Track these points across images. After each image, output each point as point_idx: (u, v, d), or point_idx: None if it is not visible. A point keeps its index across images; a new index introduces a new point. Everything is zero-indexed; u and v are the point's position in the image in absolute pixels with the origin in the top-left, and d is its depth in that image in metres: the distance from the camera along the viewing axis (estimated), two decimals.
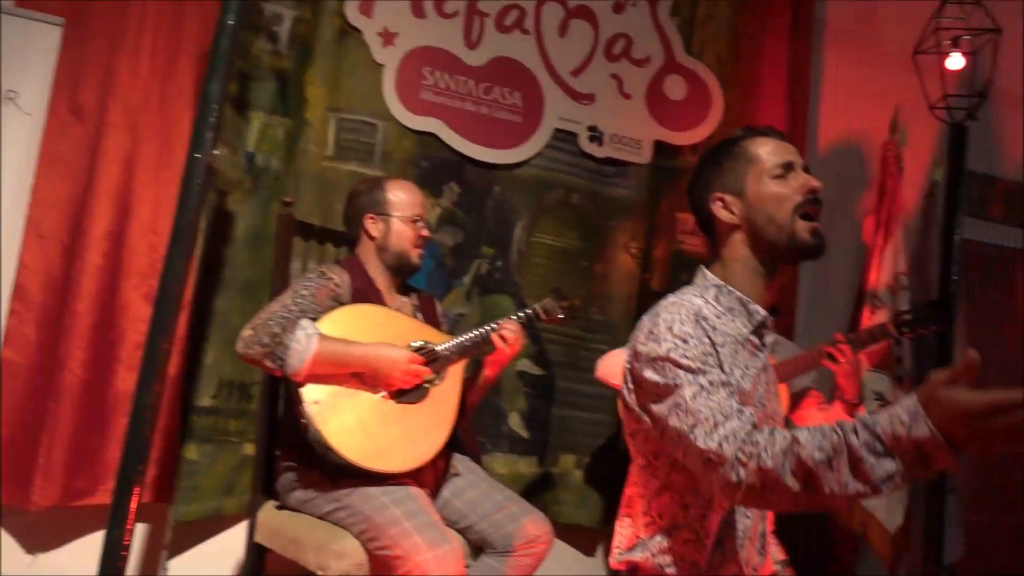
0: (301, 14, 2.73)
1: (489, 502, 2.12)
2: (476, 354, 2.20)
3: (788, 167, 1.44)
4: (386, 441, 1.99)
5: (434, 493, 2.13)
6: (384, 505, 1.92)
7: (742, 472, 1.23)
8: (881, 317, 3.07)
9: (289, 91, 2.71)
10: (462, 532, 2.13)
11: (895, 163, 3.14)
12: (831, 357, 2.59)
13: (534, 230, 3.06)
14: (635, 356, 1.38)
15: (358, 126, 2.81)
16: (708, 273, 1.48)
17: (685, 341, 1.33)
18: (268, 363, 1.94)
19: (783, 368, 2.64)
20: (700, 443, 1.28)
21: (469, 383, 2.30)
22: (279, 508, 2.13)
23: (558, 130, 3.07)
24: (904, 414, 1.13)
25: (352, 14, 2.78)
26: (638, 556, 1.45)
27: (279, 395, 2.23)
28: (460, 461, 2.21)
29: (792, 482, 1.20)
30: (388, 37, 2.82)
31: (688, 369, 1.32)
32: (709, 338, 1.35)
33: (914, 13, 3.28)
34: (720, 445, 1.26)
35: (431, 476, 2.12)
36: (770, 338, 1.52)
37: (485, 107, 2.97)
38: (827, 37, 3.60)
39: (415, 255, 2.22)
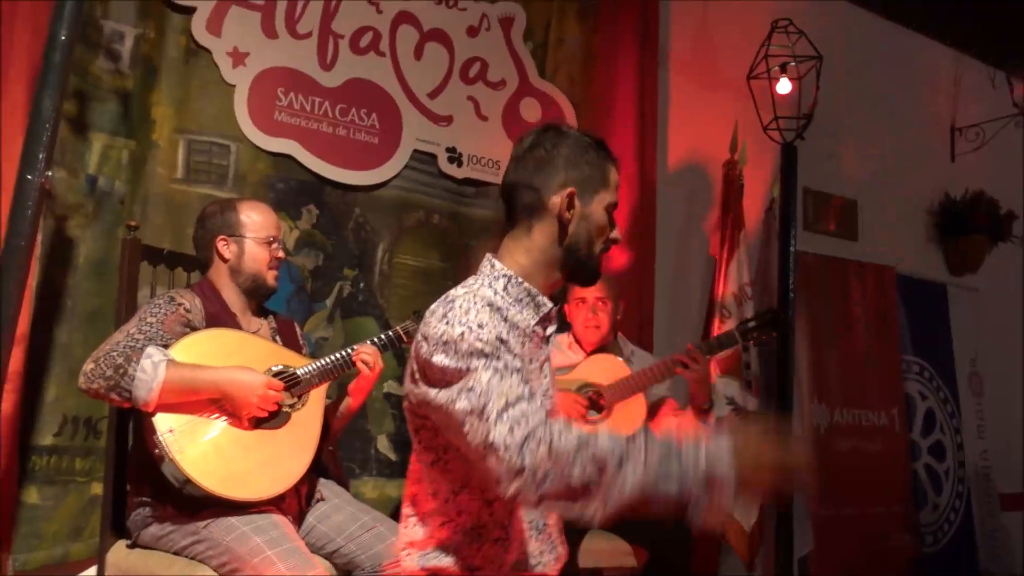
0: (144, 32, 2.63)
1: (356, 524, 2.08)
2: (338, 376, 2.16)
3: (614, 207, 1.48)
4: (246, 468, 1.93)
5: (298, 520, 2.08)
6: (245, 535, 1.85)
7: (527, 457, 1.21)
8: (729, 326, 3.25)
9: (133, 112, 2.60)
10: (329, 557, 2.08)
11: (736, 181, 3.34)
12: (684, 365, 2.72)
13: (396, 251, 3.05)
14: (425, 340, 1.33)
15: (209, 148, 2.73)
16: (497, 263, 1.45)
17: (480, 326, 1.30)
18: (114, 396, 1.85)
19: (640, 378, 2.75)
20: (489, 422, 1.24)
21: (332, 409, 2.26)
22: (131, 547, 2.01)
23: (417, 151, 3.09)
24: (713, 450, 1.20)
25: (199, 33, 2.71)
26: (444, 561, 1.38)
27: (129, 428, 2.12)
28: (325, 486, 2.17)
29: (577, 473, 1.20)
30: (238, 57, 2.76)
31: (481, 353, 1.28)
32: (503, 326, 1.33)
33: (748, 41, 3.53)
34: (511, 429, 1.23)
35: (294, 502, 2.06)
36: (551, 330, 1.50)
37: (342, 128, 2.95)
38: (672, 63, 3.80)
39: (270, 277, 2.17)
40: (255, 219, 2.16)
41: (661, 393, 2.95)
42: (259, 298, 2.19)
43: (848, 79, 4.20)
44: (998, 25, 4.61)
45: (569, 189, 1.42)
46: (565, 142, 1.45)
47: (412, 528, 1.43)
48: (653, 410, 2.90)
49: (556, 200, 1.43)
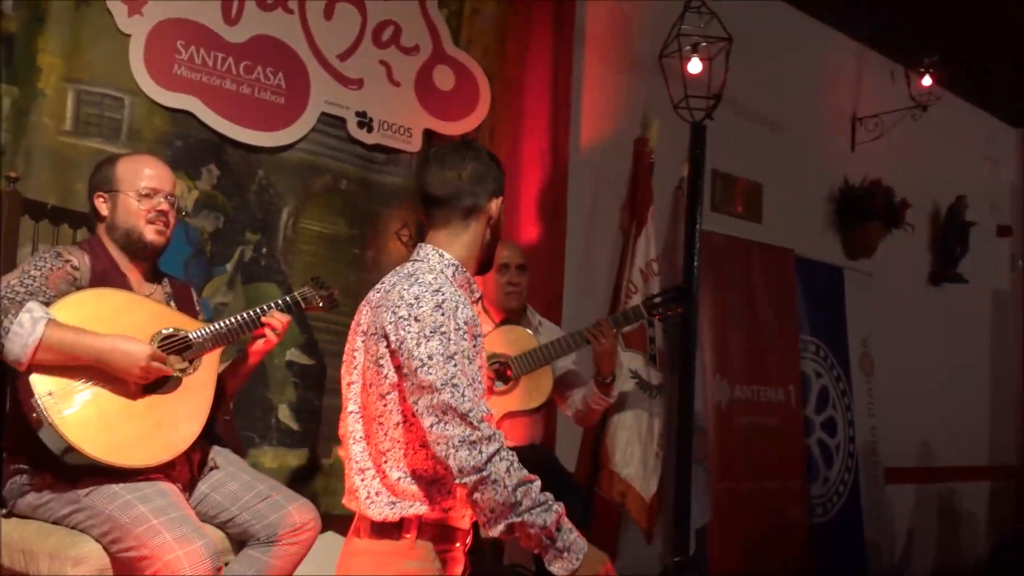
0: None
1: (251, 493, 2.02)
2: (234, 341, 2.08)
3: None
4: (131, 434, 1.84)
5: (189, 488, 2.00)
6: (129, 503, 1.77)
7: (486, 452, 1.47)
8: (636, 301, 3.29)
9: (16, 57, 2.43)
10: (222, 526, 2.02)
11: (646, 159, 3.38)
12: (592, 338, 2.75)
13: (301, 216, 2.97)
14: (401, 315, 1.53)
15: (101, 100, 2.58)
16: (446, 253, 1.66)
17: (456, 308, 1.54)
18: None
19: (547, 350, 2.76)
20: (454, 400, 1.48)
21: (229, 371, 2.18)
22: (6, 516, 1.90)
23: (325, 115, 3.00)
24: (574, 541, 1.51)
25: None
26: (420, 509, 1.57)
27: (5, 391, 1.99)
28: (219, 454, 2.09)
29: (509, 483, 1.47)
30: (135, 6, 2.61)
31: (453, 332, 1.52)
32: (466, 311, 1.57)
33: (661, 20, 3.56)
34: (479, 418, 1.49)
35: (185, 470, 1.99)
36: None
37: (246, 86, 2.84)
38: (587, 40, 3.80)
39: (149, 231, 2.04)
40: (131, 170, 2.05)
41: (567, 366, 2.98)
42: (145, 257, 2.08)
43: (757, 64, 4.29)
44: (898, 21, 4.78)
45: (500, 198, 1.71)
46: (490, 157, 1.74)
47: (372, 481, 1.59)
48: (559, 383, 2.92)
49: (492, 206, 1.69)
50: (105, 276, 1.99)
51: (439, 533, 1.60)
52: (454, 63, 3.30)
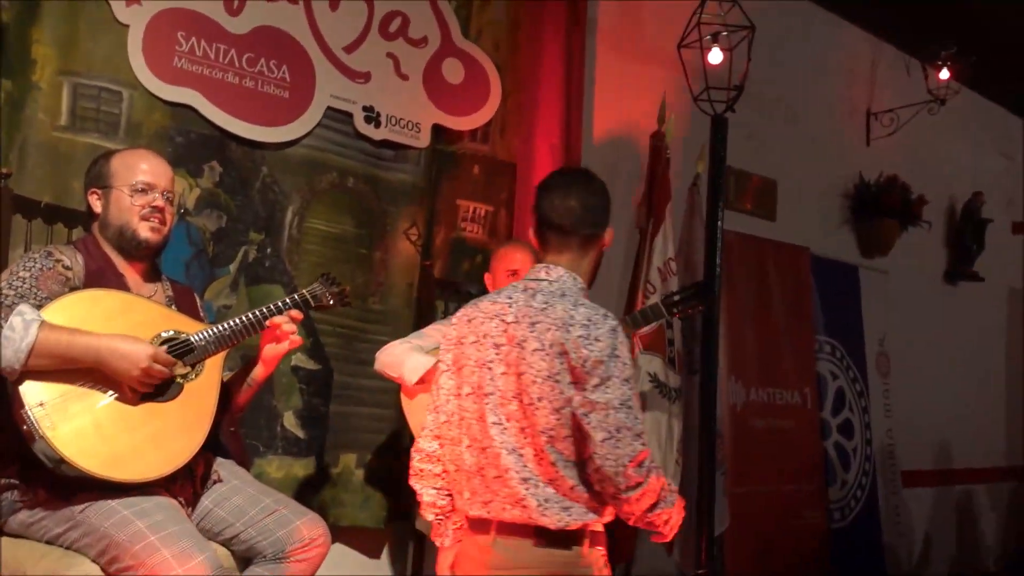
0: None
1: (257, 507, 1.91)
2: (238, 343, 1.97)
3: None
4: (129, 446, 1.73)
5: (192, 503, 1.89)
6: (126, 519, 1.66)
7: (647, 467, 1.66)
8: (654, 301, 3.17)
9: (8, 49, 2.32)
10: (227, 543, 1.90)
11: (663, 154, 3.26)
12: None
13: (307, 215, 2.85)
14: (580, 335, 1.66)
15: (98, 93, 2.46)
16: (578, 278, 1.79)
17: (623, 334, 1.71)
18: None
19: None
20: (628, 420, 1.65)
21: (238, 379, 2.07)
22: None
23: (331, 109, 2.88)
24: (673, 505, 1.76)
25: None
26: (589, 517, 1.69)
27: None
28: (223, 466, 1.98)
29: (657, 487, 1.70)
30: None
31: (627, 356, 1.70)
32: None
33: (675, 10, 3.45)
34: (644, 440, 1.66)
35: (187, 484, 1.87)
36: None
37: (249, 80, 2.72)
38: (599, 31, 3.69)
39: (143, 228, 1.92)
40: (127, 166, 1.94)
41: None
42: (140, 256, 1.96)
43: (769, 58, 4.18)
44: (913, 14, 4.67)
45: (611, 228, 1.85)
46: (604, 188, 1.86)
47: (544, 490, 1.68)
48: None
49: (606, 236, 1.84)
50: (100, 276, 1.88)
51: (601, 539, 1.75)
52: (464, 56, 3.19)
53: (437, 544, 1.91)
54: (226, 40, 2.68)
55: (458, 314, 1.90)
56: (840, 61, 4.94)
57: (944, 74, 4.76)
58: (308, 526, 1.92)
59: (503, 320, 1.75)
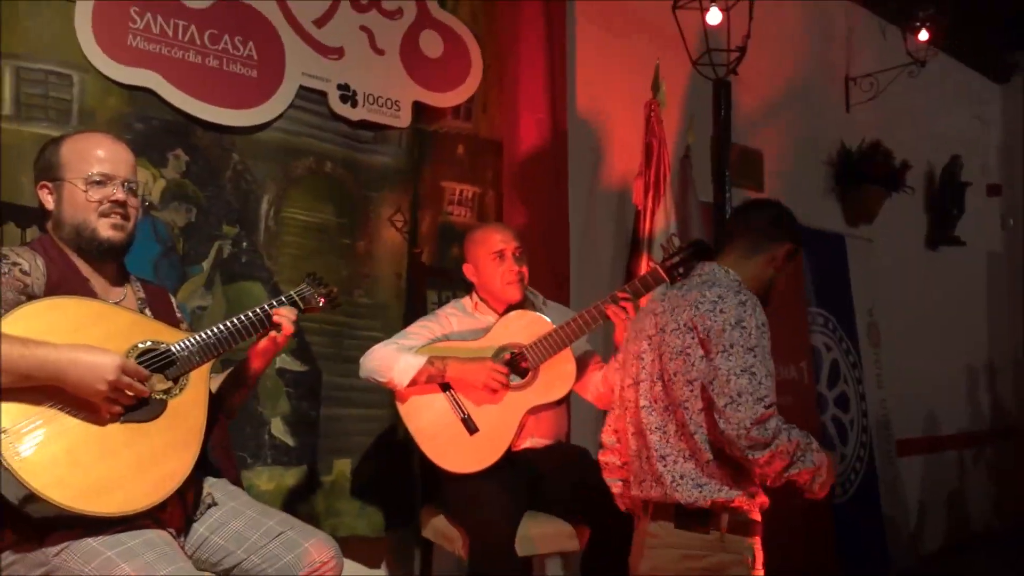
0: None
1: (259, 531, 1.70)
2: (225, 353, 1.75)
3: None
4: (109, 474, 1.50)
5: (183, 531, 1.67)
6: (110, 562, 1.44)
7: (771, 428, 1.68)
8: None
9: None
10: (227, 574, 1.69)
11: (659, 123, 3.08)
12: (614, 311, 2.43)
13: (284, 204, 2.63)
14: (706, 309, 1.77)
15: (45, 78, 2.21)
16: (731, 271, 1.89)
17: (756, 307, 1.77)
18: None
19: (565, 332, 2.46)
20: (751, 386, 1.68)
21: (231, 381, 1.86)
22: None
23: (304, 88, 2.66)
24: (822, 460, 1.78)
25: None
26: (736, 496, 1.74)
27: None
28: (216, 487, 1.76)
29: (790, 449, 1.72)
30: None
31: (755, 328, 1.74)
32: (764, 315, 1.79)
33: None
34: (769, 403, 1.69)
35: (178, 511, 1.65)
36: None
37: (213, 59, 2.48)
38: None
39: (104, 227, 1.70)
40: (79, 153, 1.70)
41: (583, 346, 2.68)
42: (104, 258, 1.73)
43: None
44: None
45: (789, 246, 1.95)
46: (790, 218, 2.02)
47: (674, 465, 1.78)
48: (580, 365, 2.61)
49: (778, 250, 1.95)
50: (63, 282, 1.65)
51: (750, 529, 1.77)
52: (442, 28, 2.98)
53: None
54: (185, 15, 2.44)
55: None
56: (817, 26, 4.81)
57: (923, 35, 4.65)
58: (318, 548, 1.72)
59: (654, 314, 1.92)
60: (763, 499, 1.83)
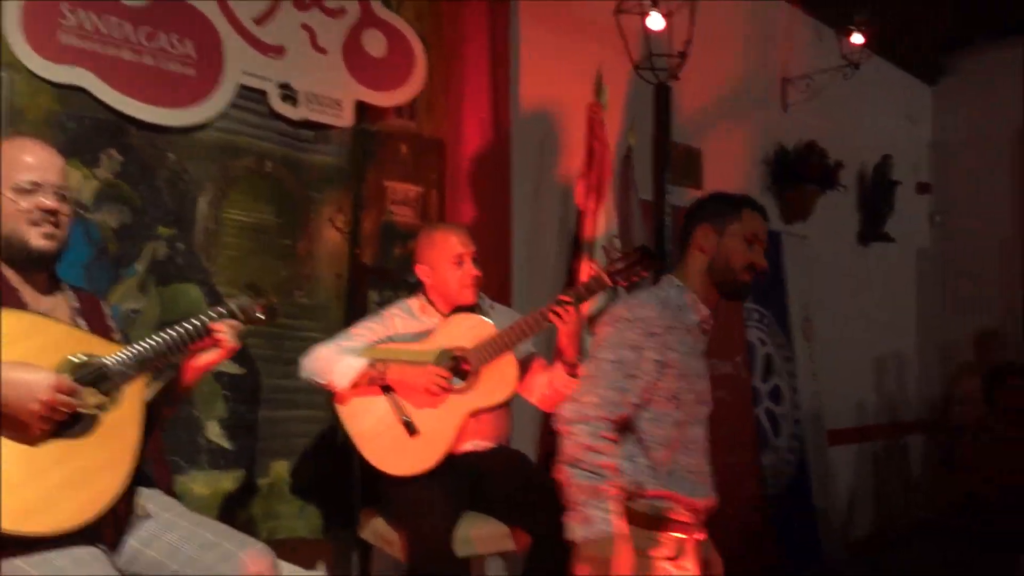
0: None
1: (193, 544, 1.69)
2: (161, 367, 1.73)
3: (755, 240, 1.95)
4: (39, 493, 1.48)
5: (114, 545, 1.65)
6: None
7: (571, 434, 1.80)
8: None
9: None
10: None
11: (601, 126, 3.12)
12: (557, 315, 2.46)
13: (222, 205, 2.59)
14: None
15: None
16: (676, 279, 1.98)
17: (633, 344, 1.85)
18: None
19: (508, 336, 2.48)
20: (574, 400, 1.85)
21: (163, 395, 1.83)
22: None
23: (244, 87, 2.62)
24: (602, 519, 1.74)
25: None
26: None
27: None
28: (150, 498, 1.75)
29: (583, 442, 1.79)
30: None
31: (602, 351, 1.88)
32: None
33: None
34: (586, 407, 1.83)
35: (110, 526, 1.63)
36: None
37: (149, 56, 2.43)
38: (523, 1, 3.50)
39: (35, 236, 1.66)
40: (6, 161, 1.66)
41: (527, 349, 2.71)
42: (33, 266, 1.69)
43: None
44: None
45: (707, 225, 1.97)
46: (718, 197, 2.06)
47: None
48: (523, 368, 2.64)
49: (697, 234, 1.98)
50: None
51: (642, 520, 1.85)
52: (385, 27, 2.95)
53: None
54: (120, 12, 2.38)
55: None
56: (756, 28, 4.90)
57: (857, 38, 4.77)
58: (254, 559, 1.71)
59: None
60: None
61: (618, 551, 1.68)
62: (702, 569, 1.92)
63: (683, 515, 1.86)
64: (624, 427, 1.84)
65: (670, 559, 1.83)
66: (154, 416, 1.79)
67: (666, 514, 1.83)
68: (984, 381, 3.98)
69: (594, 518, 1.68)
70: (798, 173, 4.97)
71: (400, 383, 2.42)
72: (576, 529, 1.70)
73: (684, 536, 1.86)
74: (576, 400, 1.80)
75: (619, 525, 1.70)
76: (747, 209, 1.96)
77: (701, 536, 1.93)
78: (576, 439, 1.74)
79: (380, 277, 2.94)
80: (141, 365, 1.67)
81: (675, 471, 1.84)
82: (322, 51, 2.80)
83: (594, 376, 1.81)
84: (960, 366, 5.44)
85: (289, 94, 2.70)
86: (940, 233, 6.50)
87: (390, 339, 2.52)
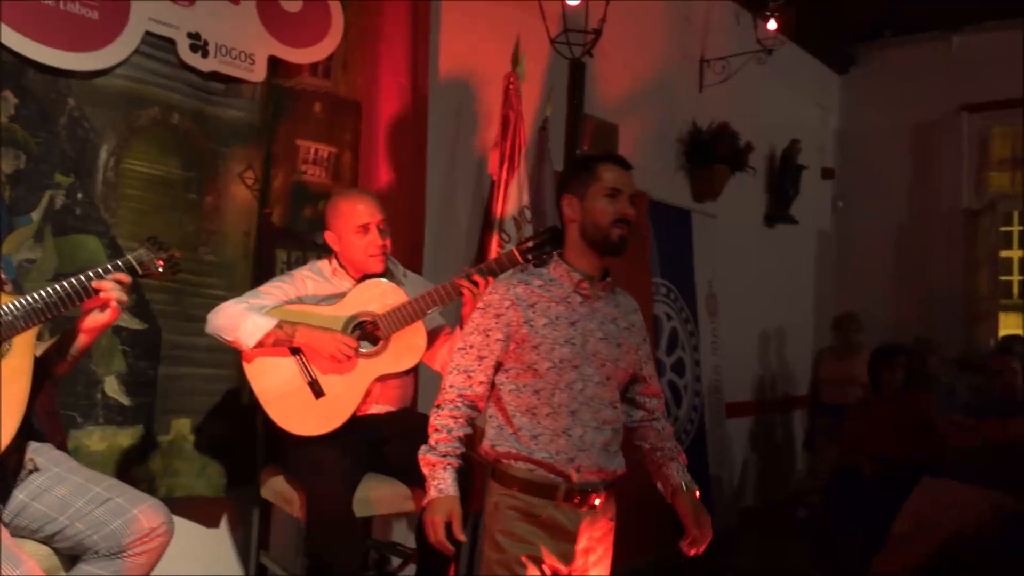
0: None
1: (84, 498, 1.67)
2: (53, 317, 1.69)
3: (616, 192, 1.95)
4: None
5: (3, 499, 1.62)
6: None
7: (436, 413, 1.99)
8: (509, 247, 3.08)
9: None
10: (48, 541, 1.67)
11: (516, 96, 3.14)
12: (465, 289, 2.50)
13: (124, 155, 2.52)
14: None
15: None
16: (556, 256, 2.05)
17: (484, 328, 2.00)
18: None
19: (419, 304, 2.51)
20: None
21: (56, 351, 1.79)
22: None
23: (151, 35, 2.54)
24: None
25: None
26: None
27: None
28: (39, 452, 1.72)
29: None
30: None
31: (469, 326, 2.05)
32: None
33: None
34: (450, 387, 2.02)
35: None
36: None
37: None
38: None
39: None
40: None
41: (435, 318, 2.74)
42: None
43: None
44: None
45: (567, 195, 2.01)
46: (578, 160, 2.29)
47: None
48: (431, 338, 2.68)
49: (563, 204, 2.02)
50: None
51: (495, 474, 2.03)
52: None
53: None
54: None
55: None
56: (676, 8, 4.99)
57: (772, 25, 4.92)
58: (148, 515, 1.71)
59: None
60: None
61: (450, 510, 1.87)
62: (592, 530, 1.99)
63: (551, 479, 1.91)
64: (494, 399, 1.99)
65: (535, 518, 1.92)
66: (46, 371, 1.76)
67: (534, 478, 1.91)
68: (871, 361, 4.20)
69: (430, 486, 1.89)
70: (710, 153, 5.11)
71: (308, 347, 2.42)
72: (425, 496, 1.91)
73: (551, 501, 1.91)
74: (441, 388, 1.99)
75: (446, 489, 1.89)
76: (601, 165, 1.97)
77: (588, 500, 1.95)
78: (431, 421, 1.95)
79: (289, 237, 2.91)
80: (31, 316, 1.63)
81: (540, 435, 1.91)
82: (235, 2, 2.73)
83: (453, 362, 1.99)
84: (821, 351, 5.72)
85: (199, 45, 2.63)
86: (841, 217, 6.80)
87: (300, 300, 2.51)
